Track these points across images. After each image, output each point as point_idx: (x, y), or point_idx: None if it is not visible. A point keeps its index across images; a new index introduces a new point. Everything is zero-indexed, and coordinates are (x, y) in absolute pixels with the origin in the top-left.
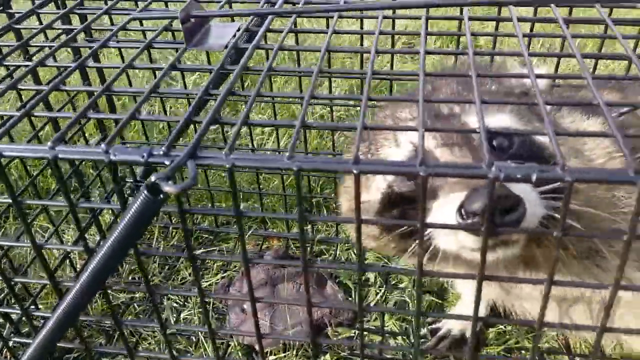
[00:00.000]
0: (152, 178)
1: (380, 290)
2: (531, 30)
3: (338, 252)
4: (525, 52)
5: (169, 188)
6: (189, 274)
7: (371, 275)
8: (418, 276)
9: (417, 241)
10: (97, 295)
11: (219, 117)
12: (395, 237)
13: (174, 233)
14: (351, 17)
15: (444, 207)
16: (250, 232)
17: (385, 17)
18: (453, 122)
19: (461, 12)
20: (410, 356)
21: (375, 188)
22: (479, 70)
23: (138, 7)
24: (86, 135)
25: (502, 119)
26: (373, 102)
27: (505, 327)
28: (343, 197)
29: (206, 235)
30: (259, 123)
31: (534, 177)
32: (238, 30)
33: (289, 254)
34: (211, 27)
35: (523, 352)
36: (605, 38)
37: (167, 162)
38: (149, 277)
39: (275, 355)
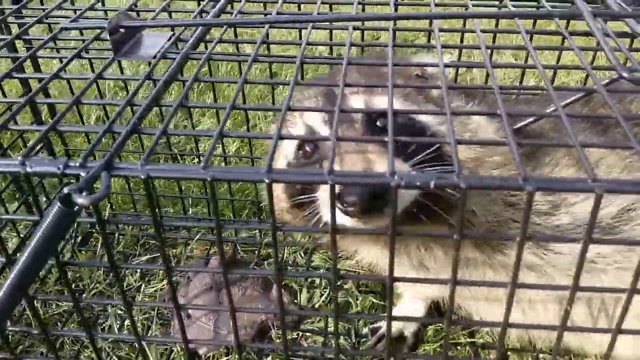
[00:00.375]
0: (65, 190)
1: (324, 291)
2: (461, 41)
3: (286, 255)
4: (441, 63)
5: (81, 200)
6: (135, 280)
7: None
8: (333, 279)
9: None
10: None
11: (140, 127)
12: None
13: (120, 239)
14: (282, 28)
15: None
16: (197, 236)
17: (316, 28)
18: (343, 102)
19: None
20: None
21: (282, 163)
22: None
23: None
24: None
25: (383, 102)
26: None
27: (441, 326)
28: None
29: (153, 241)
30: (178, 133)
31: (432, 184)
32: (169, 39)
33: (236, 258)
34: (142, 36)
35: (459, 348)
36: (522, 49)
37: (82, 174)
38: (93, 284)
39: (218, 359)
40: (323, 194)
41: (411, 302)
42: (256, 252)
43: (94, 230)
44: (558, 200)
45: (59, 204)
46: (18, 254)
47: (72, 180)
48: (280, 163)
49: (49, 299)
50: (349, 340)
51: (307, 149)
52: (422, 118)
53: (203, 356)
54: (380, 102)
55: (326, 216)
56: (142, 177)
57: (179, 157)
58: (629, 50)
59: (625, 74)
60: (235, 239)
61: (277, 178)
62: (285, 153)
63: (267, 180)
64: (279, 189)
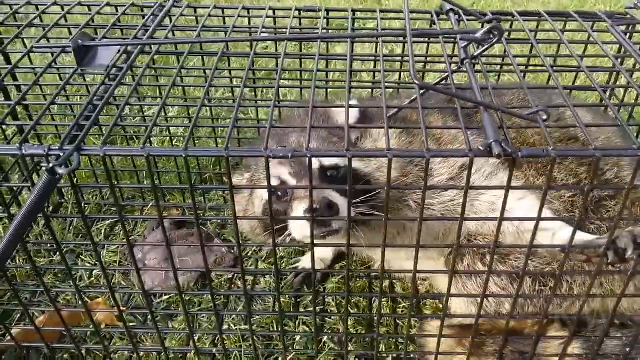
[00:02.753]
0: (51, 164)
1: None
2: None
3: (225, 216)
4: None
5: (61, 170)
6: (99, 240)
7: None
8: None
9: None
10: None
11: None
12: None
13: (85, 208)
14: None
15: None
16: (151, 204)
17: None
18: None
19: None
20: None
21: (258, 204)
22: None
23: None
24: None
25: (332, 159)
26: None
27: (344, 264)
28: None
29: (114, 208)
30: (129, 125)
31: (290, 155)
32: (118, 52)
33: (185, 220)
34: (98, 50)
35: (358, 279)
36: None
37: (61, 154)
38: (64, 246)
39: (168, 295)
40: (294, 223)
41: (321, 251)
42: (201, 214)
43: (63, 201)
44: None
45: (46, 173)
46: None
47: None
48: (256, 203)
49: (39, 242)
50: (273, 278)
51: (279, 193)
52: (355, 166)
53: (157, 295)
54: (328, 160)
55: (295, 234)
56: (101, 155)
57: (135, 139)
58: None
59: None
60: (183, 204)
61: (192, 154)
62: (261, 195)
63: (183, 155)
64: (255, 222)
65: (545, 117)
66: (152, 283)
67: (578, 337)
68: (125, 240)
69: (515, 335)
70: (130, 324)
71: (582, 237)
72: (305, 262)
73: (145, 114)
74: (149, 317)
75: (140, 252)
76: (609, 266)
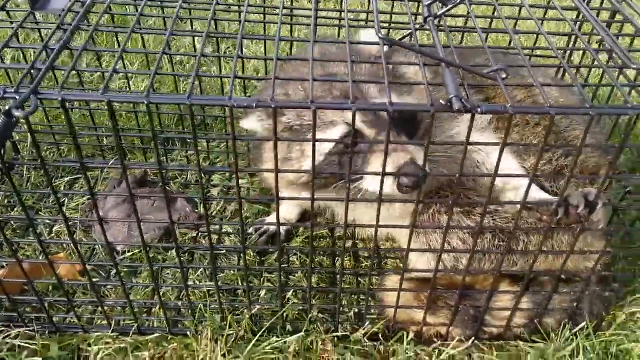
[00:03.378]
0: (7, 107)
1: (220, 202)
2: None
3: (189, 177)
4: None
5: (18, 113)
6: (62, 188)
7: (215, 192)
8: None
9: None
10: None
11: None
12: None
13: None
14: None
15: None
16: (111, 162)
17: None
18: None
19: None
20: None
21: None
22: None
23: None
24: None
25: (394, 98)
26: None
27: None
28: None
29: (72, 166)
30: (88, 70)
31: (254, 105)
32: None
33: (147, 179)
34: None
35: (322, 239)
36: None
37: (17, 97)
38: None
39: (131, 252)
40: (372, 178)
41: (289, 207)
42: (164, 173)
43: (18, 157)
44: None
45: (3, 116)
46: None
47: None
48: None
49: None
50: (237, 238)
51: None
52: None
53: (120, 252)
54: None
55: (372, 188)
56: (59, 99)
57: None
58: None
59: None
60: (146, 164)
61: (154, 101)
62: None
63: (146, 102)
64: (306, 166)
65: (504, 75)
66: (115, 240)
67: (527, 292)
68: (87, 193)
69: (468, 290)
70: (94, 280)
71: (538, 195)
72: (269, 222)
73: (102, 66)
74: (113, 272)
75: (102, 211)
76: (560, 225)
